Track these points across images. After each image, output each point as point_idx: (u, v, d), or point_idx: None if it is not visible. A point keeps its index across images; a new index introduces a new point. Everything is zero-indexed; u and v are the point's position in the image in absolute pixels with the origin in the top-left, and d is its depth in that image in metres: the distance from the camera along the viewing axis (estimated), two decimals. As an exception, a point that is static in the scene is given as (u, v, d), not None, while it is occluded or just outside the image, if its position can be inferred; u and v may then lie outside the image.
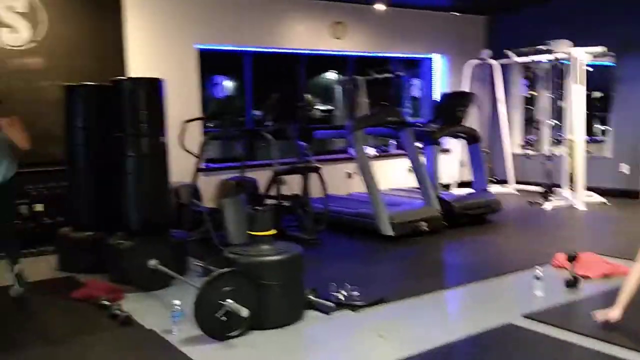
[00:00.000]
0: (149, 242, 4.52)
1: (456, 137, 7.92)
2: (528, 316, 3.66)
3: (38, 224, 5.91)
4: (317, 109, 9.69)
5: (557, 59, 8.14)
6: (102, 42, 6.52)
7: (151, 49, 6.87)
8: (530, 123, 9.33)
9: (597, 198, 7.90)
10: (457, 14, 9.41)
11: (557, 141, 8.40)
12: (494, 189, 8.53)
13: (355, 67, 8.81)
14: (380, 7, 8.33)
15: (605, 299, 3.80)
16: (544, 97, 8.89)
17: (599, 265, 4.57)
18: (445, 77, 9.61)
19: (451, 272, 5.22)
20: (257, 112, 7.70)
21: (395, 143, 8.79)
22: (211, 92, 8.07)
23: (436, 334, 3.44)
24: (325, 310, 3.81)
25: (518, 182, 9.14)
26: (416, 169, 6.64)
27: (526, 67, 9.19)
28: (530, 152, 9.09)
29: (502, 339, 3.43)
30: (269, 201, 6.15)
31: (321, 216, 6.08)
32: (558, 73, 8.43)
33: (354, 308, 3.87)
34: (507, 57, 8.91)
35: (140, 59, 6.74)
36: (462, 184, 8.83)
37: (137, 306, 4.00)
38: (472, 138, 7.39)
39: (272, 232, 3.74)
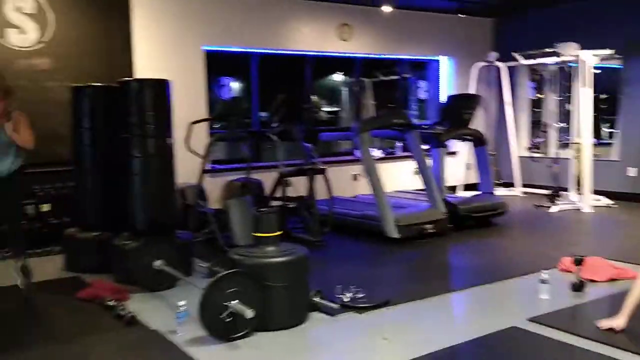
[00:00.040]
0: (154, 243, 4.53)
1: (462, 139, 7.90)
2: (533, 319, 3.65)
3: (45, 224, 5.93)
4: (323, 110, 9.69)
5: (564, 62, 8.11)
6: (110, 44, 6.55)
7: (158, 50, 6.90)
8: (537, 126, 9.30)
9: (604, 201, 7.86)
10: (464, 16, 9.40)
11: (564, 144, 8.36)
12: (500, 191, 8.52)
13: (362, 69, 8.81)
14: (387, 9, 8.32)
15: (611, 303, 3.78)
16: (551, 100, 8.85)
17: (605, 269, 4.55)
18: (452, 80, 9.60)
19: (456, 275, 5.21)
20: (263, 114, 7.72)
21: (402, 145, 8.78)
22: (218, 93, 8.08)
23: (441, 337, 3.44)
24: (330, 312, 3.81)
25: (524, 185, 9.11)
26: (422, 171, 6.63)
27: (533, 69, 9.17)
28: (536, 154, 9.07)
29: (507, 342, 3.42)
30: (274, 203, 6.16)
31: (326, 218, 6.08)
32: (565, 75, 8.40)
33: (358, 310, 3.87)
34: (514, 59, 8.89)
35: (148, 60, 6.76)
36: (468, 187, 8.80)
37: (142, 306, 4.02)
38: (478, 140, 7.38)
39: (278, 233, 3.74)
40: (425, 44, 9.18)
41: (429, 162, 6.84)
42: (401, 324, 3.73)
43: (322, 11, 8.15)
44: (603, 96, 9.16)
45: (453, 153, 8.97)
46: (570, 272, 4.45)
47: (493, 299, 4.26)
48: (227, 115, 6.08)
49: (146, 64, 6.72)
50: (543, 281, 4.10)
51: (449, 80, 9.63)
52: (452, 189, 8.52)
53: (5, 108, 4.95)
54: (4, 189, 4.60)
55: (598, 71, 7.90)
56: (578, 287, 4.19)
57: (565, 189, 8.01)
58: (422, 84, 9.85)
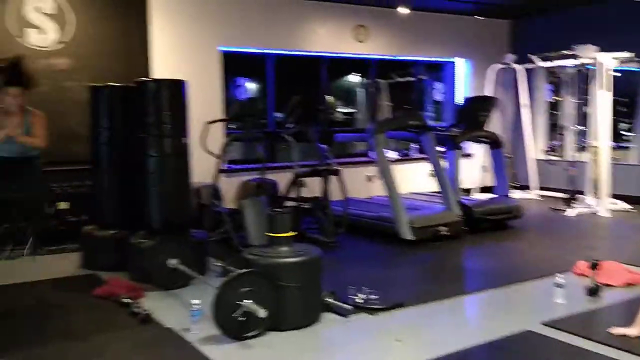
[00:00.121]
0: (169, 242, 4.56)
1: (478, 141, 7.86)
2: (548, 324, 3.62)
3: (62, 221, 6.00)
4: (338, 111, 9.70)
5: (582, 64, 8.03)
6: (128, 44, 6.62)
7: (175, 51, 6.96)
8: (555, 128, 9.22)
9: (621, 205, 7.77)
10: (481, 17, 9.35)
11: (582, 147, 8.29)
12: (516, 194, 8.46)
13: (378, 70, 8.81)
14: (403, 10, 8.31)
15: (627, 308, 3.74)
16: (569, 103, 8.77)
17: (621, 273, 4.50)
18: (468, 81, 9.56)
19: (471, 278, 5.18)
20: (279, 115, 7.75)
21: (417, 147, 8.76)
22: (233, 93, 8.13)
23: (454, 339, 3.42)
24: (343, 313, 3.81)
25: (541, 188, 9.04)
26: (437, 173, 6.60)
27: (551, 72, 9.09)
28: (553, 157, 9.00)
29: (520, 345, 3.39)
30: (288, 203, 6.18)
31: (341, 219, 6.09)
32: (583, 78, 8.32)
33: (371, 311, 3.87)
34: (531, 61, 8.83)
35: (165, 60, 6.83)
36: (483, 189, 8.76)
37: (157, 304, 4.05)
38: (494, 143, 7.34)
39: (292, 234, 3.75)
40: (441, 46, 9.14)
41: (444, 164, 6.82)
42: (414, 326, 3.73)
43: (338, 12, 8.16)
44: (622, 99, 9.05)
45: (468, 155, 8.93)
46: (586, 276, 4.41)
47: (507, 302, 4.24)
48: (242, 116, 6.12)
49: (163, 64, 6.78)
50: (558, 285, 4.06)
51: (465, 82, 9.59)
52: (468, 191, 8.48)
53: (23, 104, 5.15)
54: (20, 172, 4.80)
55: (617, 74, 7.82)
56: (593, 291, 4.15)
57: (582, 193, 7.93)
58: (438, 85, 9.82)
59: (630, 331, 3.35)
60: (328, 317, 3.79)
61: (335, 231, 5.94)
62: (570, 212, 7.59)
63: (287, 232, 3.72)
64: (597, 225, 7.12)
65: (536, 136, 9.33)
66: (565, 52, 8.02)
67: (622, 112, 9.09)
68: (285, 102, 6.59)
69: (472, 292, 4.56)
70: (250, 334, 3.43)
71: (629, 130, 9.19)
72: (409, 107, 8.87)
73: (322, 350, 3.51)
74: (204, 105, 6.64)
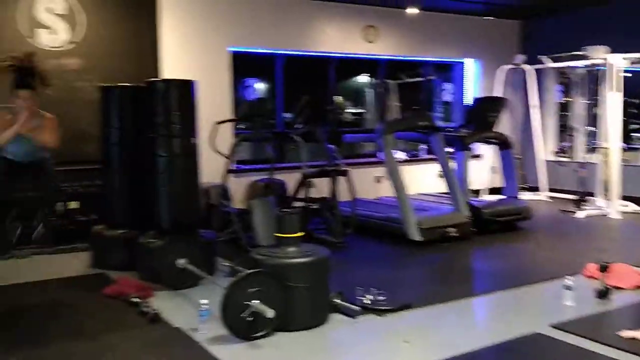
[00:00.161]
0: (178, 242, 4.58)
1: (487, 142, 7.83)
2: (556, 326, 3.60)
3: (72, 221, 6.04)
4: (347, 112, 9.70)
5: (593, 65, 7.99)
6: (138, 44, 6.66)
7: (185, 51, 6.98)
8: (564, 129, 9.17)
9: (632, 207, 7.72)
10: (491, 18, 9.32)
11: (592, 148, 8.24)
12: (526, 196, 8.42)
13: (387, 70, 8.80)
14: (412, 10, 8.30)
15: (637, 311, 3.72)
16: (579, 104, 8.73)
17: (631, 276, 4.47)
18: (478, 82, 9.53)
19: (479, 279, 5.17)
20: (288, 115, 7.76)
21: (426, 148, 8.74)
22: (242, 94, 8.15)
23: (462, 341, 3.42)
24: (351, 314, 3.81)
25: (550, 190, 8.99)
26: (446, 174, 6.59)
27: (561, 72, 9.04)
28: (563, 159, 8.95)
29: (528, 348, 3.38)
30: (297, 203, 6.18)
31: (349, 220, 6.09)
32: (594, 79, 8.27)
33: (379, 313, 3.87)
34: (541, 62, 8.79)
35: (175, 61, 6.86)
36: (492, 190, 8.72)
37: (165, 304, 4.07)
38: (503, 144, 7.31)
39: (300, 234, 3.76)
40: (450, 46, 9.12)
41: (453, 165, 6.80)
42: (422, 327, 3.72)
43: (347, 13, 8.16)
44: (632, 100, 8.98)
45: (478, 156, 8.90)
46: (596, 278, 4.38)
47: (516, 304, 4.22)
48: (251, 116, 6.13)
49: (173, 64, 6.81)
50: (567, 287, 4.04)
51: (474, 82, 9.56)
52: (477, 192, 8.45)
53: (33, 107, 5.23)
54: (32, 174, 4.90)
55: (628, 75, 7.77)
56: (603, 294, 4.12)
57: (592, 194, 7.89)
58: (447, 86, 9.79)
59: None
60: (336, 318, 3.79)
61: (343, 232, 5.94)
62: (580, 214, 7.55)
63: (296, 232, 3.72)
64: (607, 227, 7.08)
65: (546, 137, 9.29)
66: (575, 52, 7.98)
67: (632, 113, 9.03)
68: (294, 103, 6.60)
69: (481, 293, 4.54)
70: (258, 334, 3.44)
71: (639, 132, 9.13)
72: (418, 108, 8.86)
73: (330, 351, 3.51)
74: (213, 105, 6.67)
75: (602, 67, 7.78)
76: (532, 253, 5.81)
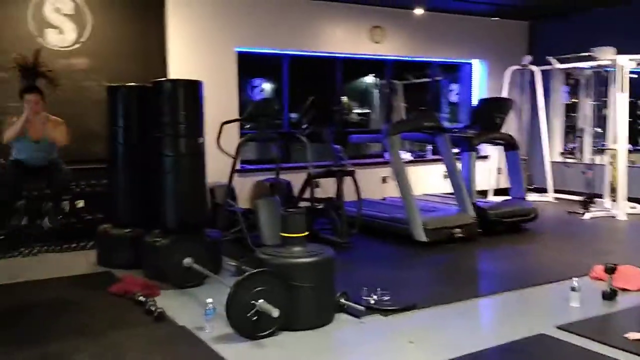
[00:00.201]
0: (184, 241, 4.60)
1: (494, 143, 7.82)
2: (562, 327, 3.59)
3: (79, 219, 6.07)
4: (353, 112, 9.70)
5: (600, 66, 7.96)
6: (145, 44, 6.68)
7: (192, 52, 7.00)
8: (571, 131, 9.14)
9: (639, 209, 7.68)
10: (498, 19, 9.30)
11: (599, 150, 8.20)
12: (532, 197, 8.40)
13: (393, 71, 8.79)
14: (419, 11, 8.29)
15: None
16: (586, 105, 8.70)
17: (638, 278, 4.45)
18: (484, 83, 9.50)
19: (485, 280, 5.15)
20: (294, 115, 7.77)
21: (432, 148, 8.73)
22: (249, 94, 8.16)
23: (467, 342, 3.41)
24: (356, 314, 3.82)
25: (557, 191, 8.96)
26: (452, 174, 6.58)
27: (568, 73, 9.01)
28: (570, 160, 8.91)
29: (533, 349, 3.37)
30: (302, 203, 6.19)
31: (354, 220, 6.09)
32: (601, 80, 8.24)
33: (384, 313, 3.87)
34: (548, 63, 8.76)
35: (181, 61, 6.88)
36: (499, 191, 8.70)
37: (171, 303, 4.08)
38: (510, 145, 7.29)
39: (305, 234, 3.76)
40: (457, 47, 9.10)
41: (459, 165, 6.79)
42: (428, 328, 3.72)
43: (354, 13, 8.16)
44: (639, 102, 8.94)
45: (484, 157, 8.88)
46: (602, 280, 4.37)
47: (522, 305, 4.21)
48: (257, 116, 6.14)
49: (180, 64, 6.84)
50: (573, 289, 4.03)
51: (481, 83, 9.54)
52: (483, 193, 8.43)
53: (41, 110, 5.29)
54: (44, 173, 4.99)
55: (635, 76, 7.74)
56: (609, 295, 4.11)
57: (599, 196, 7.85)
58: (454, 86, 9.78)
59: (647, 336, 3.32)
60: (341, 318, 3.80)
61: (348, 232, 5.94)
62: (587, 216, 7.52)
63: (301, 232, 3.73)
64: (614, 229, 7.05)
65: (553, 138, 9.26)
66: (583, 54, 7.95)
67: (638, 115, 8.98)
68: (300, 103, 6.61)
69: (486, 294, 4.53)
70: (263, 334, 3.45)
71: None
72: (424, 109, 8.85)
73: (334, 350, 3.52)
74: (220, 105, 6.68)
75: (610, 69, 7.75)
76: (538, 254, 5.79)
